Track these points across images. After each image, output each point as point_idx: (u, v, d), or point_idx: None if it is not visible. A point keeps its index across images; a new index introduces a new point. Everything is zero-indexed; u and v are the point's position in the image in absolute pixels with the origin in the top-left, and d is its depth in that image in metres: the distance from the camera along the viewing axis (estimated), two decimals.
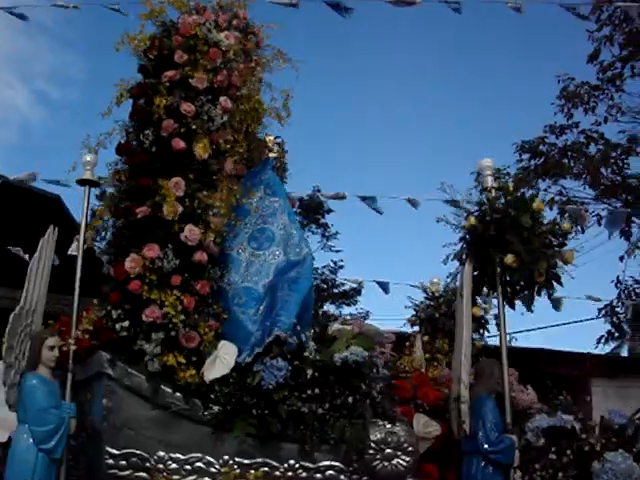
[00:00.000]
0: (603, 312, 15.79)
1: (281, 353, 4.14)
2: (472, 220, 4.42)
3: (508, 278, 4.46)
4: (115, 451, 4.19)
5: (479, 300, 5.27)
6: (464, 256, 4.47)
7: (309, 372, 4.06)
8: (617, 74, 18.17)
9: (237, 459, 4.18)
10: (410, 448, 4.15)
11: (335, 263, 27.17)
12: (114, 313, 4.24)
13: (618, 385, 10.28)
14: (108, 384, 4.20)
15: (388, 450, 4.14)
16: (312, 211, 26.74)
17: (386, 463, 4.14)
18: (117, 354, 4.20)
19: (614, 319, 16.00)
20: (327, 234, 27.47)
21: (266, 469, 4.17)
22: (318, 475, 4.20)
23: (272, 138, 5.58)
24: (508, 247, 4.40)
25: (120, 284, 4.37)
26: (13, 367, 4.21)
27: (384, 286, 11.47)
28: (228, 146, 4.75)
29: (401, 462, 4.15)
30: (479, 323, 5.61)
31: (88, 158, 4.70)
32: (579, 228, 13.41)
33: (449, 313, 5.87)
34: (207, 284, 4.45)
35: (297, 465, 4.19)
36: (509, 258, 4.36)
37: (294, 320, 4.39)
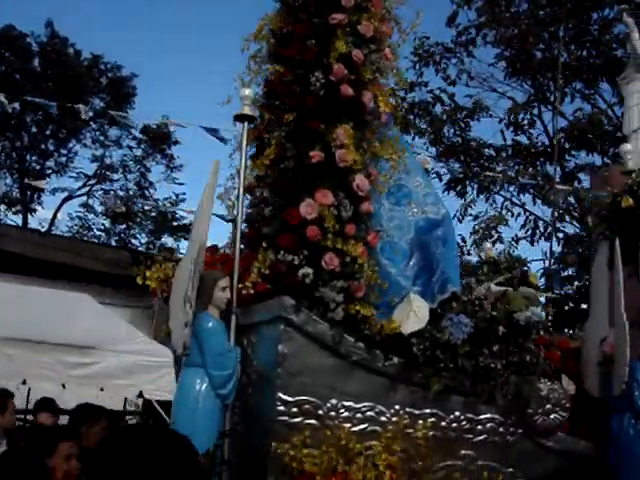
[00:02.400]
0: None
1: (464, 309, 4.26)
2: (629, 201, 4.70)
3: None
4: (288, 398, 4.13)
5: None
6: (606, 233, 4.75)
7: (500, 329, 4.21)
8: (470, 39, 19.19)
9: (407, 409, 4.26)
10: (567, 404, 4.43)
11: (177, 196, 27.17)
12: (296, 259, 4.15)
13: None
14: (287, 329, 4.12)
15: (548, 405, 4.38)
16: (158, 140, 26.51)
17: (545, 417, 4.39)
18: (300, 300, 4.13)
19: None
20: (172, 165, 27.39)
21: (433, 420, 4.29)
22: (479, 427, 4.37)
23: None
24: None
25: (293, 228, 4.28)
26: (190, 303, 4.00)
27: (224, 218, 11.72)
28: (385, 98, 4.72)
29: (558, 417, 4.40)
30: None
31: (246, 92, 4.50)
32: None
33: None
34: (376, 236, 4.45)
35: (462, 417, 4.34)
36: None
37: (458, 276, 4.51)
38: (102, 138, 27.05)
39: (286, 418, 4.13)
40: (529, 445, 4.43)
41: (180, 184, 27.48)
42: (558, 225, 19.39)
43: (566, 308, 19.37)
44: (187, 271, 4.01)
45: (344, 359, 4.17)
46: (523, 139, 21.60)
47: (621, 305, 4.42)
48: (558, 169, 19.00)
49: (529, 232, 20.84)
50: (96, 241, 24.25)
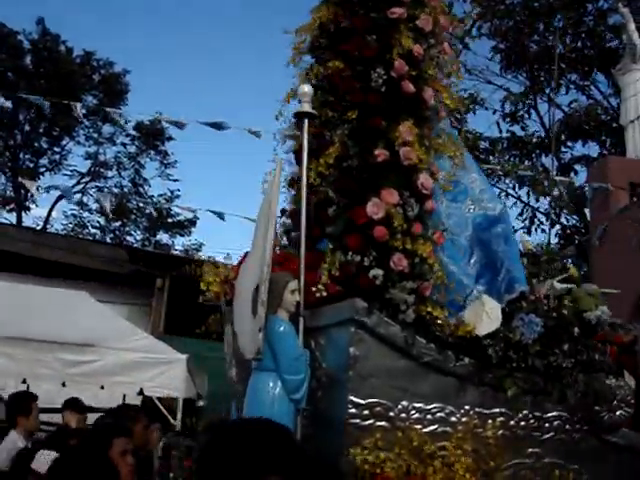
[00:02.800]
0: None
1: (535, 308, 4.23)
2: None
3: None
4: (359, 400, 4.08)
5: None
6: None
7: (575, 329, 4.19)
8: (466, 31, 19.06)
9: (477, 409, 4.25)
10: (632, 401, 4.43)
11: (172, 192, 27.12)
12: (366, 260, 4.09)
13: None
14: (357, 332, 4.07)
15: (614, 402, 4.39)
16: (152, 137, 26.33)
17: (611, 414, 4.39)
18: (371, 302, 4.07)
19: None
20: (166, 162, 27.25)
21: (502, 419, 4.27)
22: (547, 425, 4.36)
23: None
24: None
25: (359, 228, 4.22)
26: (264, 307, 3.92)
27: (220, 215, 11.73)
28: (449, 94, 4.66)
29: (624, 413, 4.40)
30: None
31: (305, 89, 4.41)
32: None
33: None
34: (442, 235, 4.40)
35: (530, 415, 4.33)
36: None
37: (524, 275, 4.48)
38: (95, 135, 26.88)
39: (357, 421, 4.09)
40: (594, 442, 4.43)
41: (175, 180, 27.37)
42: (554, 218, 19.59)
43: None
44: (259, 274, 3.94)
45: (415, 361, 4.14)
46: (519, 130, 21.68)
47: None
48: (555, 161, 19.09)
49: (526, 222, 21.03)
50: (91, 238, 24.10)
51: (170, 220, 27.84)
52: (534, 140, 21.92)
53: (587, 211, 13.77)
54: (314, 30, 4.85)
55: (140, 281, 12.60)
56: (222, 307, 5.34)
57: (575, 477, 4.27)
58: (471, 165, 5.09)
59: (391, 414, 4.13)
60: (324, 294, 4.04)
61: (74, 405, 6.88)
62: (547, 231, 18.92)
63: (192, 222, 27.85)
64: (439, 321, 4.07)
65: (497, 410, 4.27)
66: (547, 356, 4.16)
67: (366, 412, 4.10)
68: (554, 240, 19.56)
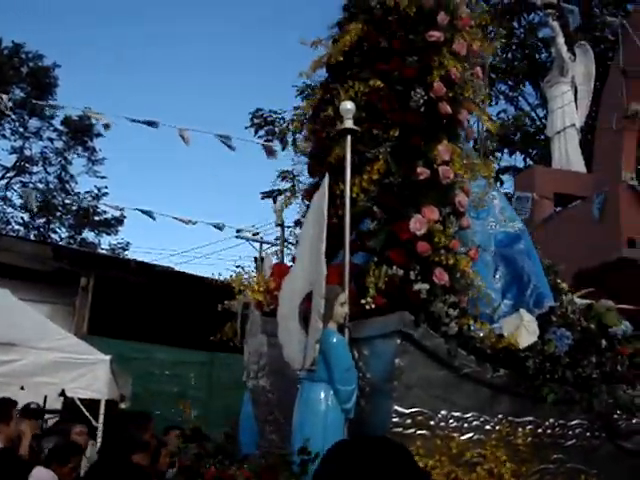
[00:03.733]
0: None
1: (565, 323, 4.47)
2: None
3: None
4: (403, 410, 4.25)
5: None
6: None
7: (602, 342, 4.46)
8: None
9: (509, 418, 4.46)
10: None
11: (99, 190, 26.77)
12: (412, 274, 4.25)
13: None
14: (403, 343, 4.23)
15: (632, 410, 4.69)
16: (80, 132, 25.93)
17: (629, 422, 4.68)
18: (418, 315, 4.23)
19: None
20: (93, 158, 26.87)
21: (531, 427, 4.50)
22: (570, 432, 4.61)
23: None
24: None
25: (401, 243, 4.38)
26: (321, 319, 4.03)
27: (150, 214, 11.85)
28: (488, 117, 4.88)
29: (639, 421, 4.72)
30: None
31: (348, 106, 4.53)
32: None
33: None
34: (477, 251, 4.60)
35: (556, 423, 4.58)
36: None
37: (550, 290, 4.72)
38: (21, 129, 26.15)
39: (400, 429, 4.25)
40: (611, 448, 4.71)
41: (102, 177, 26.93)
42: None
43: None
44: (314, 287, 4.04)
45: (456, 372, 4.32)
46: None
47: None
48: None
49: None
50: (14, 235, 23.42)
51: (97, 218, 27.33)
52: None
53: None
54: (343, 46, 4.98)
55: (64, 279, 12.28)
56: (238, 315, 5.43)
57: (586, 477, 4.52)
58: (490, 182, 5.31)
59: (431, 423, 4.31)
60: (372, 306, 4.19)
61: (27, 412, 6.77)
62: None
63: (119, 221, 27.42)
64: (481, 334, 4.28)
65: (527, 419, 4.50)
66: (576, 367, 4.41)
67: (409, 421, 4.27)
68: None
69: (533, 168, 14.25)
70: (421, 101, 4.55)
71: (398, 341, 4.23)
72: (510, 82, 21.97)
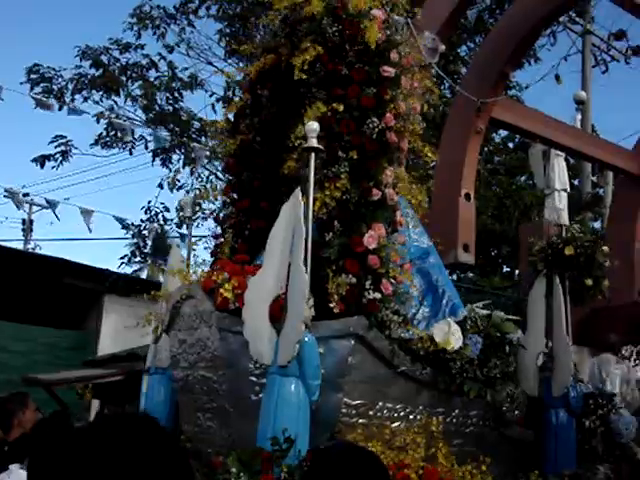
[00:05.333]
0: (131, 233, 17.77)
1: (478, 330, 5.30)
2: (571, 250, 6.08)
3: None
4: (350, 401, 4.83)
5: None
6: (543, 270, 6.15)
7: (506, 347, 5.34)
8: (195, 9, 19.58)
9: (427, 409, 5.20)
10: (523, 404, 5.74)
11: None
12: (367, 284, 4.82)
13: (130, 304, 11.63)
14: (355, 344, 4.80)
15: (515, 404, 5.65)
16: None
17: (512, 414, 5.64)
18: (371, 320, 4.82)
19: (139, 241, 17.82)
20: None
21: (442, 416, 5.28)
22: (469, 421, 5.48)
23: None
24: None
25: (355, 255, 4.92)
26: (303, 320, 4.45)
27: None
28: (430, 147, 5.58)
29: (518, 414, 5.69)
30: None
31: (314, 126, 4.96)
32: None
33: None
34: (411, 265, 5.27)
35: (460, 413, 5.41)
36: None
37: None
38: None
39: (347, 419, 4.83)
40: (496, 434, 5.65)
41: None
42: None
43: None
44: (297, 291, 4.45)
45: (394, 369, 4.99)
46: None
47: (562, 326, 5.88)
48: None
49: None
50: None
51: None
52: None
53: None
54: (301, 63, 5.40)
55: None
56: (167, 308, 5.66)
57: (483, 461, 5.40)
58: (403, 202, 6.01)
59: (370, 413, 4.95)
60: (336, 311, 4.71)
61: None
62: None
63: None
64: (418, 338, 4.99)
65: (439, 409, 5.29)
66: (484, 368, 5.28)
67: (354, 412, 4.87)
68: None
69: None
70: (375, 129, 5.13)
71: (352, 342, 4.81)
72: None
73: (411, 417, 5.15)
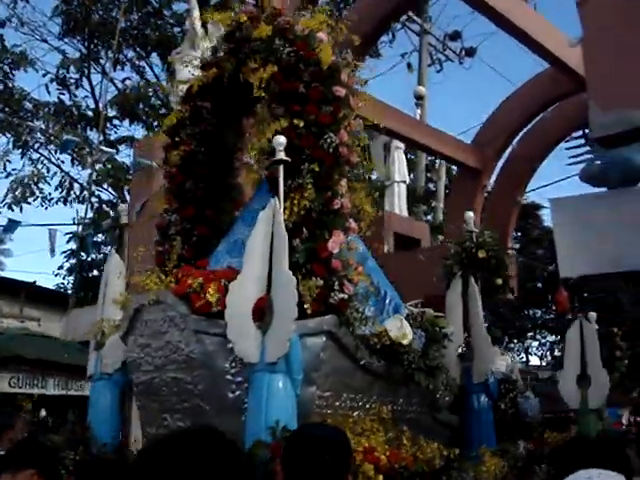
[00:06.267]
0: None
1: (420, 325, 5.89)
2: (484, 253, 6.83)
3: None
4: (321, 393, 5.26)
5: None
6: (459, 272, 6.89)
7: (445, 340, 5.98)
8: None
9: (380, 398, 5.71)
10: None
11: None
12: (336, 285, 5.26)
13: None
14: (327, 341, 5.22)
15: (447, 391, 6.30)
16: None
17: (443, 400, 6.29)
18: (340, 318, 5.26)
19: None
20: None
21: (391, 404, 5.82)
22: (410, 408, 6.06)
23: None
24: None
25: (321, 260, 5.35)
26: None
27: None
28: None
29: (448, 400, 6.35)
30: None
31: (281, 140, 5.31)
32: None
33: None
34: (363, 268, 5.76)
35: (404, 401, 5.97)
36: None
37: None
38: None
39: (318, 410, 5.24)
40: (430, 419, 6.28)
41: None
42: (94, 189, 20.14)
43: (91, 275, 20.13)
44: (287, 293, 4.78)
45: (356, 363, 5.46)
46: (68, 99, 21.75)
47: (480, 320, 6.65)
48: (101, 136, 19.39)
49: (64, 193, 21.17)
50: None
51: None
52: (83, 111, 21.92)
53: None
54: (257, 81, 5.76)
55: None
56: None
57: (422, 441, 5.98)
58: None
59: (337, 403, 5.40)
60: (309, 312, 5.10)
61: None
62: (86, 202, 19.14)
63: None
64: (378, 332, 5.52)
65: (388, 398, 5.84)
66: (427, 359, 5.90)
67: (324, 403, 5.30)
68: (90, 213, 20.22)
69: (154, 136, 13.94)
70: (332, 144, 5.61)
71: (324, 339, 5.24)
72: (139, 50, 21.85)
73: (367, 406, 5.66)
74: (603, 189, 14.13)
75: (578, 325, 8.10)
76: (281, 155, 5.33)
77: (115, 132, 21.70)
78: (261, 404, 4.80)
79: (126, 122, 21.66)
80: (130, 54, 21.70)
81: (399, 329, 5.64)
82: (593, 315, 8.41)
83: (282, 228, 5.01)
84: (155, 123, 20.66)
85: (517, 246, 27.20)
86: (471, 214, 7.37)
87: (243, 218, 6.34)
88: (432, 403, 6.23)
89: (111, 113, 21.01)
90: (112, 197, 21.13)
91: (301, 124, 5.55)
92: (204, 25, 13.36)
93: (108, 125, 21.07)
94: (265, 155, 5.68)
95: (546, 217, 28.23)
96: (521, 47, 12.89)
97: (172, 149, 6.52)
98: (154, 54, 21.71)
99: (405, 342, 5.62)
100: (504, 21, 11.92)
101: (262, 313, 4.92)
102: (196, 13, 13.24)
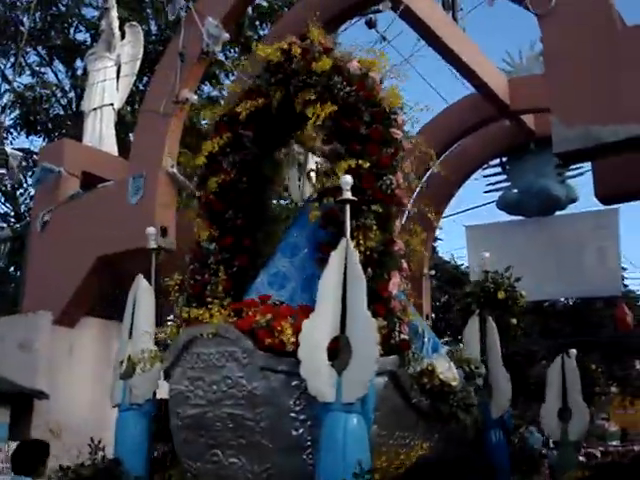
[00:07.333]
0: None
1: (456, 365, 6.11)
2: (502, 294, 7.10)
3: None
4: (380, 432, 5.36)
5: None
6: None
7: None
8: None
9: (424, 435, 5.85)
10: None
11: None
12: (397, 326, 5.36)
13: None
14: (388, 381, 5.32)
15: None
16: None
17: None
18: (402, 358, 5.37)
19: None
20: None
21: (428, 442, 5.94)
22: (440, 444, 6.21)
23: None
24: None
25: (383, 300, 5.44)
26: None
27: None
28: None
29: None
30: None
31: (348, 179, 5.32)
32: None
33: None
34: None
35: (439, 437, 6.13)
36: None
37: None
38: None
39: (377, 448, 5.28)
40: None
41: None
42: None
43: None
44: (368, 336, 4.87)
45: (408, 401, 5.59)
46: None
47: (498, 358, 6.90)
48: None
49: None
50: None
51: None
52: None
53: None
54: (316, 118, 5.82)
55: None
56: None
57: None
58: None
59: (390, 442, 5.51)
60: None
61: None
62: None
63: None
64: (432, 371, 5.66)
65: (427, 436, 5.96)
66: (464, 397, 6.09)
67: (381, 441, 5.38)
68: None
69: (63, 141, 13.14)
70: (391, 186, 5.72)
71: (386, 378, 5.35)
72: (43, 54, 20.32)
73: (411, 444, 5.79)
74: (519, 217, 14.55)
75: (559, 361, 8.57)
76: (348, 195, 5.39)
77: (11, 143, 20.16)
78: (338, 444, 4.84)
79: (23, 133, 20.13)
80: (32, 59, 20.37)
81: (448, 370, 5.81)
82: (573, 352, 8.87)
83: (358, 269, 5.08)
84: (56, 133, 19.39)
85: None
86: (487, 254, 7.65)
87: (282, 250, 6.36)
88: (461, 439, 6.42)
89: (8, 122, 19.61)
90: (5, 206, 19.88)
91: (366, 165, 5.63)
92: (121, 27, 12.89)
93: (5, 135, 19.61)
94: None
95: None
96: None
97: (211, 176, 6.44)
98: (57, 61, 20.27)
99: (454, 384, 5.79)
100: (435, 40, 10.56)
101: (337, 352, 4.98)
102: (114, 13, 12.69)
